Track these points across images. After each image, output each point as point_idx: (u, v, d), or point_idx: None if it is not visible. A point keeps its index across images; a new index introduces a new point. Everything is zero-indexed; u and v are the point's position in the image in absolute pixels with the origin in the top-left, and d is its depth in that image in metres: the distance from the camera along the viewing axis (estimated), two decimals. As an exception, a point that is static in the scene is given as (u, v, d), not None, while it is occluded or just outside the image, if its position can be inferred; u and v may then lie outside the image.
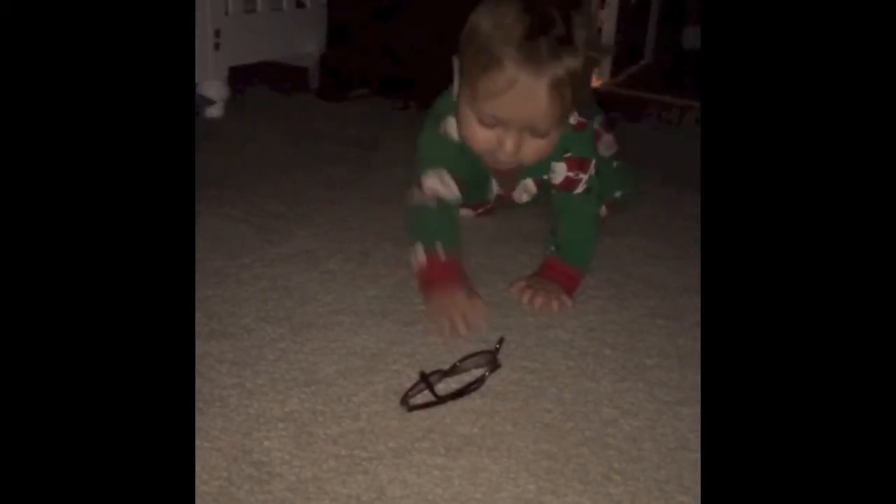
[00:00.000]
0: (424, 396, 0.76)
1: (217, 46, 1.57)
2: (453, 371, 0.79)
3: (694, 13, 2.84)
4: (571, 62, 0.83)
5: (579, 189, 1.01)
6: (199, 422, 0.71)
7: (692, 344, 0.89)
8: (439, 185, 0.98)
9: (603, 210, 1.12)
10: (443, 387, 0.77)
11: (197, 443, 0.68)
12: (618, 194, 1.17)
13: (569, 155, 0.98)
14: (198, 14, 1.50)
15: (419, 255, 0.94)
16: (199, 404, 0.73)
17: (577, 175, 1.00)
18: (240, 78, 1.74)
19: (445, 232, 0.96)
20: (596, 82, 2.18)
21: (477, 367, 0.80)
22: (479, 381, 0.78)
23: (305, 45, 1.82)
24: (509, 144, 0.88)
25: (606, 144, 1.15)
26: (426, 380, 0.76)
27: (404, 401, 0.75)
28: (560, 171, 1.00)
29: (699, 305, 0.97)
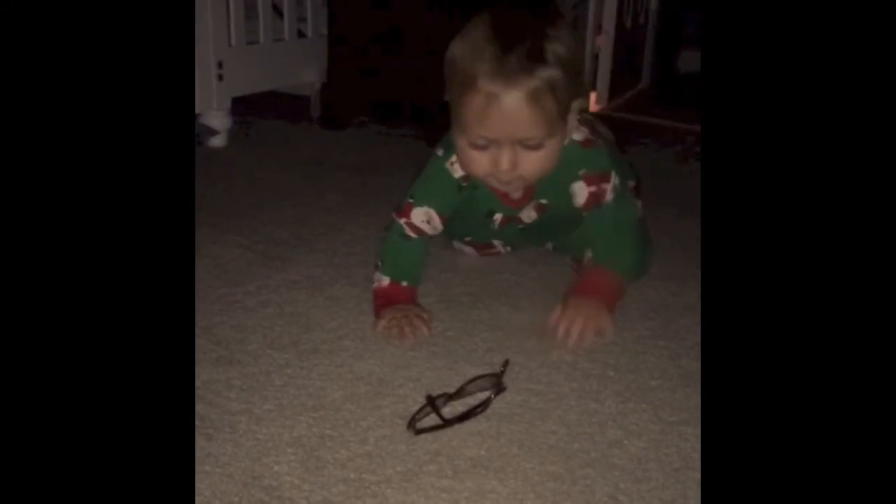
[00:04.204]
0: (431, 420, 0.76)
1: (220, 77, 1.59)
2: (459, 394, 0.80)
3: (689, 37, 2.87)
4: (545, 73, 0.83)
5: (607, 199, 0.98)
6: (209, 448, 0.71)
7: (694, 364, 0.90)
8: (425, 223, 1.00)
9: None
10: (449, 410, 0.78)
11: (207, 469, 0.69)
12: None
13: (584, 171, 0.96)
14: (201, 46, 1.53)
15: (383, 282, 0.99)
16: (208, 430, 0.74)
17: (601, 187, 0.97)
18: (243, 108, 1.77)
19: (415, 269, 1.01)
20: (594, 107, 2.21)
21: (482, 389, 0.81)
22: (485, 404, 0.79)
23: (307, 74, 1.85)
24: (504, 161, 0.87)
25: None
26: (432, 403, 0.77)
27: (411, 424, 0.75)
28: (581, 192, 0.98)
29: (699, 326, 0.98)
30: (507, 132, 0.86)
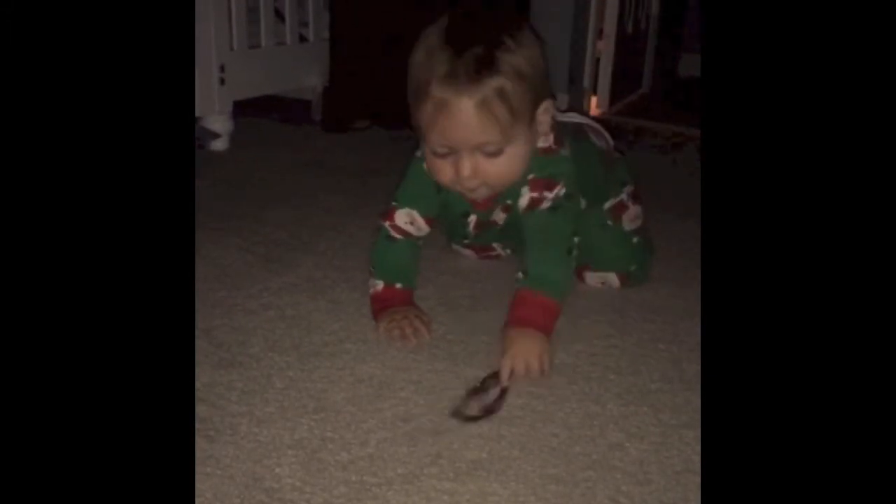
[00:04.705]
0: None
1: (222, 81, 1.60)
2: (482, 388, 0.83)
3: (690, 41, 2.88)
4: (495, 82, 0.84)
5: (543, 206, 0.96)
6: (211, 450, 0.71)
7: (695, 367, 0.90)
8: (409, 224, 1.00)
9: (616, 281, 1.09)
10: (475, 405, 0.81)
11: (208, 470, 0.69)
12: (633, 268, 1.09)
13: (532, 176, 0.95)
14: (203, 49, 1.54)
15: (378, 287, 0.99)
16: (209, 432, 0.74)
17: (542, 194, 0.96)
18: (244, 111, 1.77)
19: (406, 271, 1.01)
20: (595, 111, 2.21)
21: (495, 387, 0.83)
22: (503, 395, 0.82)
23: (308, 78, 1.85)
24: (465, 167, 0.88)
25: (631, 217, 1.08)
26: (483, 392, 0.82)
27: (458, 413, 0.79)
28: (525, 196, 0.96)
29: (700, 329, 0.98)
30: (461, 139, 0.86)
